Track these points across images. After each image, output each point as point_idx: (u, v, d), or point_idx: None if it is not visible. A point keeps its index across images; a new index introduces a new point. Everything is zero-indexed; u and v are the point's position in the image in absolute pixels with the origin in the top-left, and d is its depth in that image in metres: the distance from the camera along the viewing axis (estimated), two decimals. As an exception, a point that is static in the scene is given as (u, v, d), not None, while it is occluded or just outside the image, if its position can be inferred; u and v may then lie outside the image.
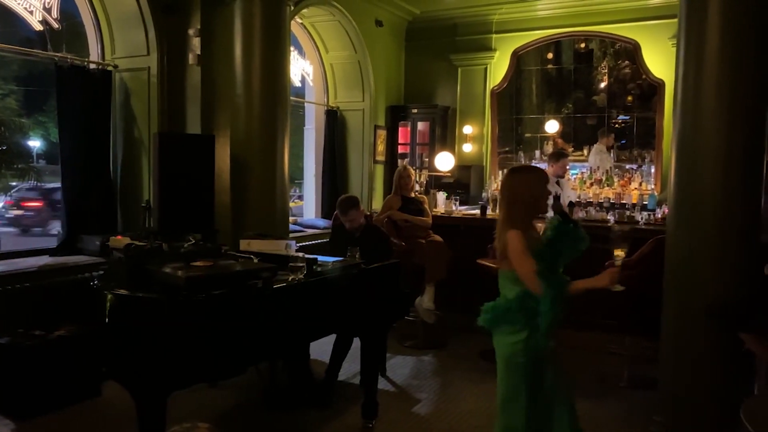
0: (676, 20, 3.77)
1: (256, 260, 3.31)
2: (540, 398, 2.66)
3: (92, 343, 2.97)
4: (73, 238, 5.10)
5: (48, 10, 5.02)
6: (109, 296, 2.75)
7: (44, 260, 4.82)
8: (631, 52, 7.61)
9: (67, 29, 6.24)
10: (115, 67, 5.55)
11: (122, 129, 5.61)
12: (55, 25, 5.14)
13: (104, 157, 5.42)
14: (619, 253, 2.80)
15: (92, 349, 2.96)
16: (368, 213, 6.23)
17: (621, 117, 8.07)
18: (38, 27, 5.09)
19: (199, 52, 5.41)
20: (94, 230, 5.12)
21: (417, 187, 6.66)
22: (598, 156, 7.76)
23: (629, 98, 7.96)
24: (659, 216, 5.51)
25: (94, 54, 5.62)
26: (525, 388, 2.65)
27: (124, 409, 3.00)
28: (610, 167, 7.59)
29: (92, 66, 5.41)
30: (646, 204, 6.26)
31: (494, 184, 7.84)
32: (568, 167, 6.86)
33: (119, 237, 4.09)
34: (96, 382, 4.06)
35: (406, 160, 8.25)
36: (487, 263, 5.16)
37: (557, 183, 6.28)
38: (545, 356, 2.70)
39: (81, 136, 5.20)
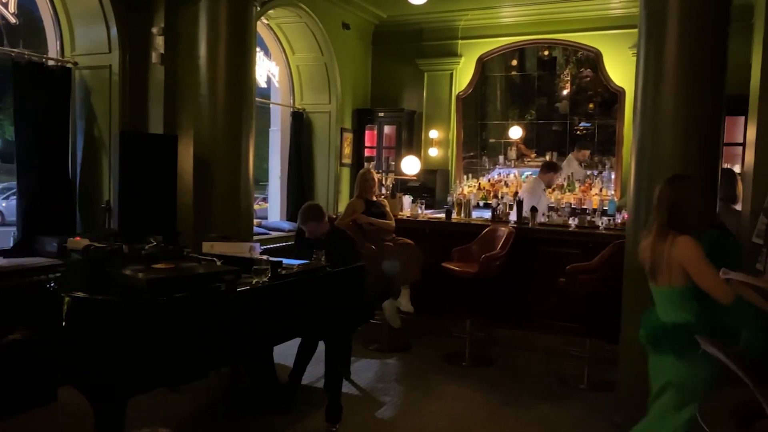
0: (636, 30, 3.86)
1: (219, 263, 3.26)
2: None
3: (48, 347, 2.88)
4: (30, 239, 4.96)
5: (5, 5, 4.88)
6: (67, 299, 2.67)
7: (-2, 261, 4.68)
8: (593, 60, 7.78)
9: (25, 24, 6.08)
10: (75, 64, 5.43)
11: (82, 128, 5.48)
12: (13, 20, 5.00)
13: (63, 157, 5.29)
14: None
15: (48, 353, 2.88)
16: (334, 216, 6.21)
17: (583, 124, 8.23)
18: (-6, 22, 4.95)
19: (162, 51, 5.33)
20: (51, 231, 4.98)
21: (383, 191, 6.68)
22: (568, 165, 7.88)
23: (591, 105, 8.13)
24: (619, 221, 5.64)
25: (53, 50, 5.48)
26: None
27: (81, 414, 2.92)
28: (571, 173, 7.73)
29: (51, 63, 5.28)
30: (606, 209, 6.39)
31: (459, 188, 7.92)
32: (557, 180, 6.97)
33: (78, 238, 3.99)
34: (52, 387, 3.94)
35: (373, 164, 8.26)
36: (452, 267, 5.21)
37: (544, 190, 6.40)
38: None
39: (38, 134, 5.07)
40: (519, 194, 6.73)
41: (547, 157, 8.28)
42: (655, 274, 2.49)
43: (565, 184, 7.65)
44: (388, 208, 5.78)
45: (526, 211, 5.81)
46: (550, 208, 6.29)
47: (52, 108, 5.15)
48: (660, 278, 2.47)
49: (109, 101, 5.35)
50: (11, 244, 5.04)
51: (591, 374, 4.73)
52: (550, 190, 7.37)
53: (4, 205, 17.28)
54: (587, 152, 7.95)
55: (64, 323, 2.67)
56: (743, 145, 6.08)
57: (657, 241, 2.47)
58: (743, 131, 5.91)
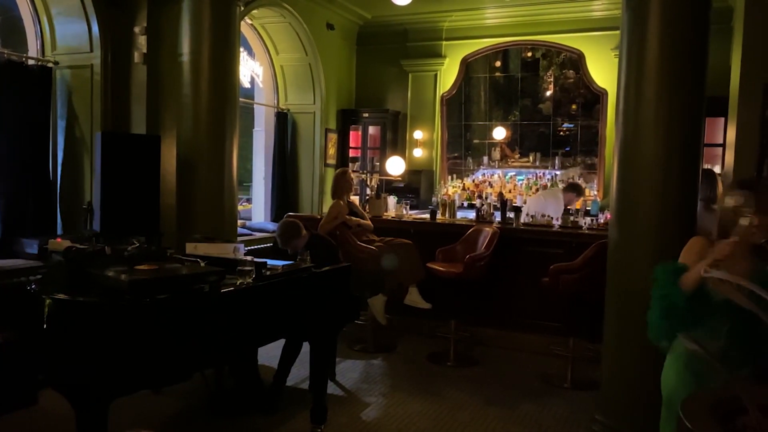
0: (618, 32, 3.90)
1: (203, 264, 3.24)
2: None
3: (29, 349, 2.85)
4: (10, 241, 4.90)
5: (-17, 3, 4.82)
6: (48, 301, 2.64)
7: (-23, 264, 4.61)
8: (576, 61, 7.85)
9: (4, 23, 6.00)
10: (56, 63, 5.37)
11: (63, 128, 5.42)
12: (-9, 19, 4.94)
13: (43, 157, 5.23)
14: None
15: (29, 356, 2.85)
16: (319, 216, 6.19)
17: (566, 125, 8.29)
18: (-27, 20, 4.88)
19: (145, 51, 5.29)
20: (32, 233, 4.93)
21: (368, 191, 6.68)
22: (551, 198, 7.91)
23: (573, 106, 8.20)
24: (602, 221, 5.69)
25: (33, 50, 5.41)
26: None
27: (62, 417, 2.89)
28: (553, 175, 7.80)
29: (31, 62, 5.21)
30: (589, 209, 6.45)
31: (444, 188, 7.94)
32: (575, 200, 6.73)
33: (59, 239, 3.93)
34: (33, 390, 3.89)
35: (357, 164, 8.26)
36: (436, 267, 5.22)
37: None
38: None
39: (18, 134, 5.01)
40: (537, 197, 6.71)
41: (530, 158, 8.34)
42: None
43: (549, 184, 7.71)
44: (360, 208, 5.80)
45: (544, 213, 5.85)
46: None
47: (33, 108, 5.09)
48: None
49: (91, 101, 5.29)
50: (-10, 246, 4.97)
51: (575, 373, 4.77)
52: (520, 187, 7.41)
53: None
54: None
55: (45, 325, 2.63)
56: (723, 146, 6.18)
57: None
58: (723, 132, 6.00)
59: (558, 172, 8.02)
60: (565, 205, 6.46)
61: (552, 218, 5.86)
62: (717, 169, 6.31)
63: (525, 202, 6.91)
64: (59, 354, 2.61)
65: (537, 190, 7.72)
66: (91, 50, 5.28)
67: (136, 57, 5.31)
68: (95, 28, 5.23)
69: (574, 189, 6.58)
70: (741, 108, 4.10)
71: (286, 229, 4.41)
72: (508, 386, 4.72)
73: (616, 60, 3.99)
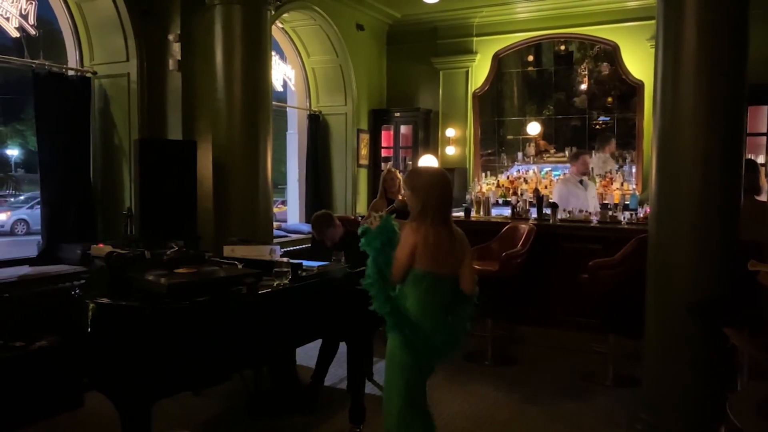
0: (654, 22, 3.81)
1: (240, 266, 3.28)
2: None
3: (74, 353, 2.92)
4: (54, 247, 5.04)
5: (24, 17, 4.96)
6: (91, 305, 2.71)
7: (24, 270, 4.75)
8: (611, 53, 7.70)
9: (45, 36, 6.18)
10: (94, 73, 5.50)
11: (102, 136, 5.56)
12: (32, 32, 5.09)
13: (84, 165, 5.36)
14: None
15: (74, 359, 2.92)
16: (353, 217, 6.22)
17: (602, 118, 8.14)
18: (15, 34, 5.04)
19: (179, 58, 5.38)
20: (74, 239, 5.06)
21: (402, 191, 6.66)
22: (603, 164, 7.76)
23: (609, 99, 8.04)
24: (641, 215, 5.56)
25: (72, 60, 5.56)
26: None
27: (107, 419, 2.96)
28: (611, 170, 7.67)
29: (70, 72, 5.36)
30: (628, 204, 6.31)
31: (478, 186, 7.88)
32: (591, 165, 6.72)
33: (101, 245, 4.04)
34: (79, 392, 4.00)
35: (390, 164, 8.26)
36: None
37: (581, 182, 6.25)
38: None
39: (60, 143, 5.14)
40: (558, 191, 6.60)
41: (566, 153, 8.21)
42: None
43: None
44: None
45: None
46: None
47: (73, 117, 5.23)
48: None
49: (128, 109, 5.41)
50: (36, 253, 5.12)
51: (616, 370, 4.68)
52: (557, 182, 7.21)
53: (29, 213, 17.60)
54: (613, 141, 7.85)
55: (89, 329, 2.70)
56: (767, 135, 5.98)
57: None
58: (767, 121, 5.81)
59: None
60: (585, 173, 6.26)
61: (590, 213, 5.75)
62: (761, 159, 6.11)
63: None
64: (103, 357, 2.67)
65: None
66: (127, 59, 5.40)
67: (171, 64, 5.41)
68: (131, 38, 5.35)
69: (573, 158, 6.42)
70: (785, 95, 3.96)
71: (320, 218, 4.56)
72: (547, 384, 4.66)
73: (653, 50, 3.90)
